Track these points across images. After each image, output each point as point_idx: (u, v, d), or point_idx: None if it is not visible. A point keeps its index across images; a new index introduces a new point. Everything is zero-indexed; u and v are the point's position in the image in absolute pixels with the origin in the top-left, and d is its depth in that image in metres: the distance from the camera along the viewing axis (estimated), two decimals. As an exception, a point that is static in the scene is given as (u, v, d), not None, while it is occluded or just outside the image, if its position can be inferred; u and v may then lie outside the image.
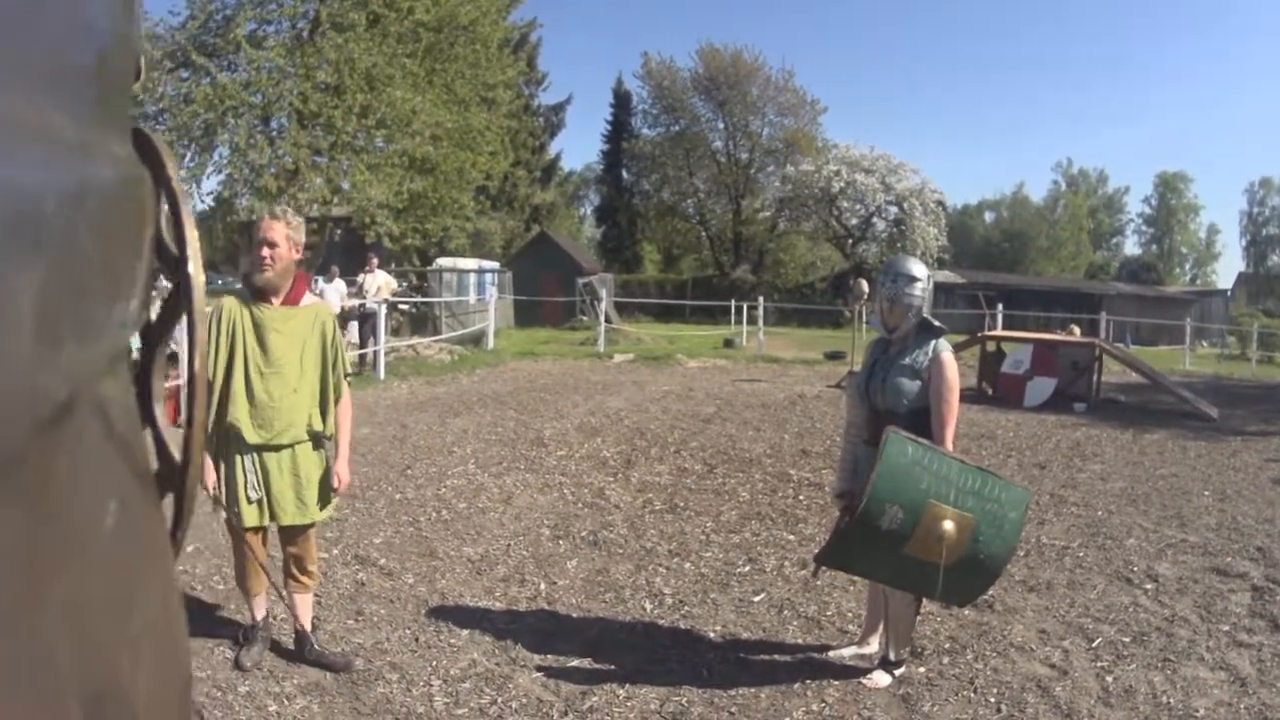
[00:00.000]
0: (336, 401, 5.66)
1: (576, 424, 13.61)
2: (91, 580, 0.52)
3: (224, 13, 26.42)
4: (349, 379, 5.74)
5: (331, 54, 25.41)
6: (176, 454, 0.71)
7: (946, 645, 6.03)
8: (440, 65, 28.19)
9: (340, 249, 30.22)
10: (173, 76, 26.35)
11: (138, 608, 0.59)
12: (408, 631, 6.29)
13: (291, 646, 5.92)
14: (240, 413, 5.38)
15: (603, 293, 33.27)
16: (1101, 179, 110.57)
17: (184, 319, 0.69)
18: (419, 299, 29.93)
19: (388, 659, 5.86)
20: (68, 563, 0.49)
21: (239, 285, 5.87)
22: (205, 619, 6.43)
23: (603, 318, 29.61)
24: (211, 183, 28.65)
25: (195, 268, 0.67)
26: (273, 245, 5.31)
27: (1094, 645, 6.14)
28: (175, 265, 0.67)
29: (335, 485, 5.67)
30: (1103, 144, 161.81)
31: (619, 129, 65.76)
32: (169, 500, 0.73)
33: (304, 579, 5.83)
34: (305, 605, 5.92)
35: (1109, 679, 5.64)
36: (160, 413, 0.72)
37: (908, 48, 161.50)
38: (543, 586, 7.08)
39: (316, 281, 23.04)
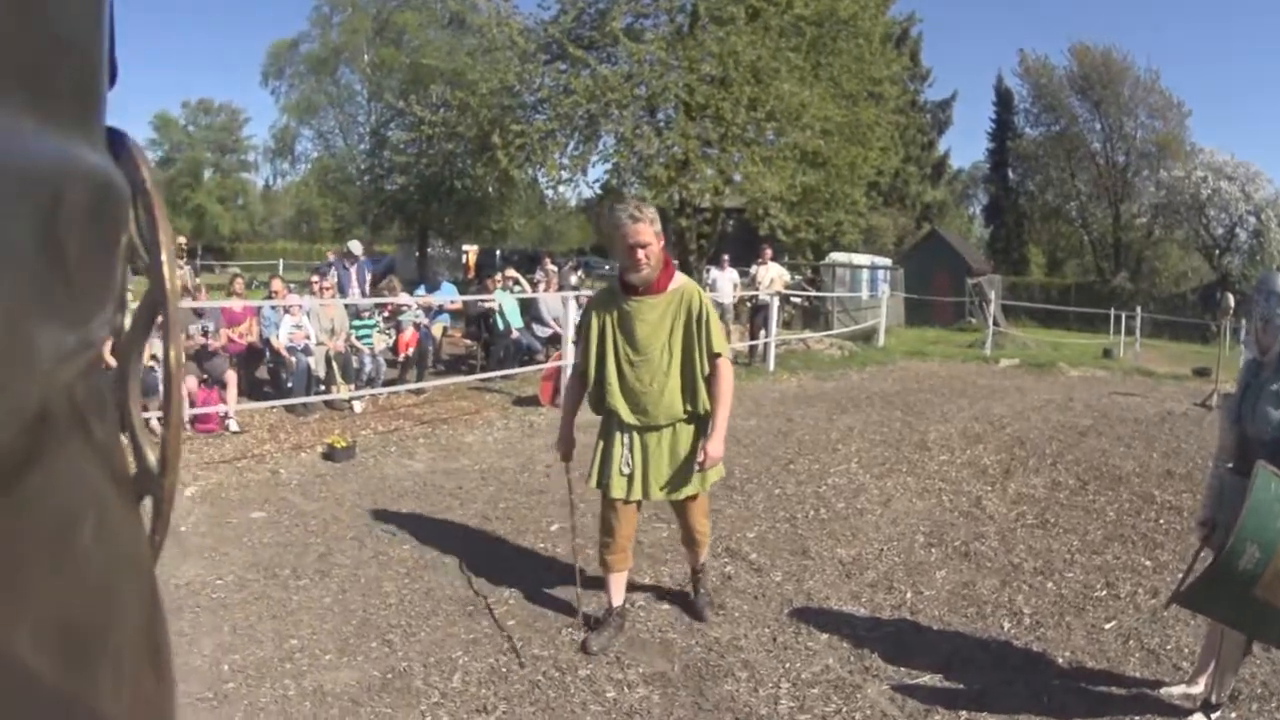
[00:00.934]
0: (707, 375, 5.78)
1: (960, 429, 13.30)
2: (70, 589, 0.52)
3: (596, 6, 27.13)
4: (727, 359, 5.86)
5: (714, 47, 25.56)
6: (153, 457, 0.70)
7: (1259, 691, 5.67)
8: (825, 59, 27.97)
9: (732, 239, 30.45)
10: (550, 68, 27.43)
11: (118, 615, 0.59)
12: (766, 630, 6.23)
13: (644, 637, 6.06)
14: (616, 400, 5.79)
15: (991, 294, 32.63)
16: None
17: (159, 321, 0.68)
18: (812, 293, 29.84)
19: (741, 656, 5.83)
20: (46, 572, 0.49)
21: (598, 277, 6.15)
22: (558, 598, 6.68)
23: (991, 320, 29.01)
24: (598, 171, 29.46)
25: (170, 271, 0.65)
26: (645, 246, 5.57)
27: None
28: (150, 268, 0.65)
29: (700, 460, 5.76)
30: None
31: (1003, 127, 65.09)
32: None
33: (695, 547, 6.29)
34: (703, 554, 6.41)
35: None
36: (137, 416, 0.71)
37: (1252, 46, 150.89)
38: (909, 595, 6.91)
39: (708, 270, 23.38)
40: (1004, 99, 65.16)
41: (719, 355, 5.76)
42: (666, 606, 6.60)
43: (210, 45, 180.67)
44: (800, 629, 6.24)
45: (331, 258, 22.92)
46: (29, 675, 0.46)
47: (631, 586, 6.56)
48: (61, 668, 0.50)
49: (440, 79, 34.92)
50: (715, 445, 5.74)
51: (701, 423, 5.90)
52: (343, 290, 17.21)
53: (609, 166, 28.15)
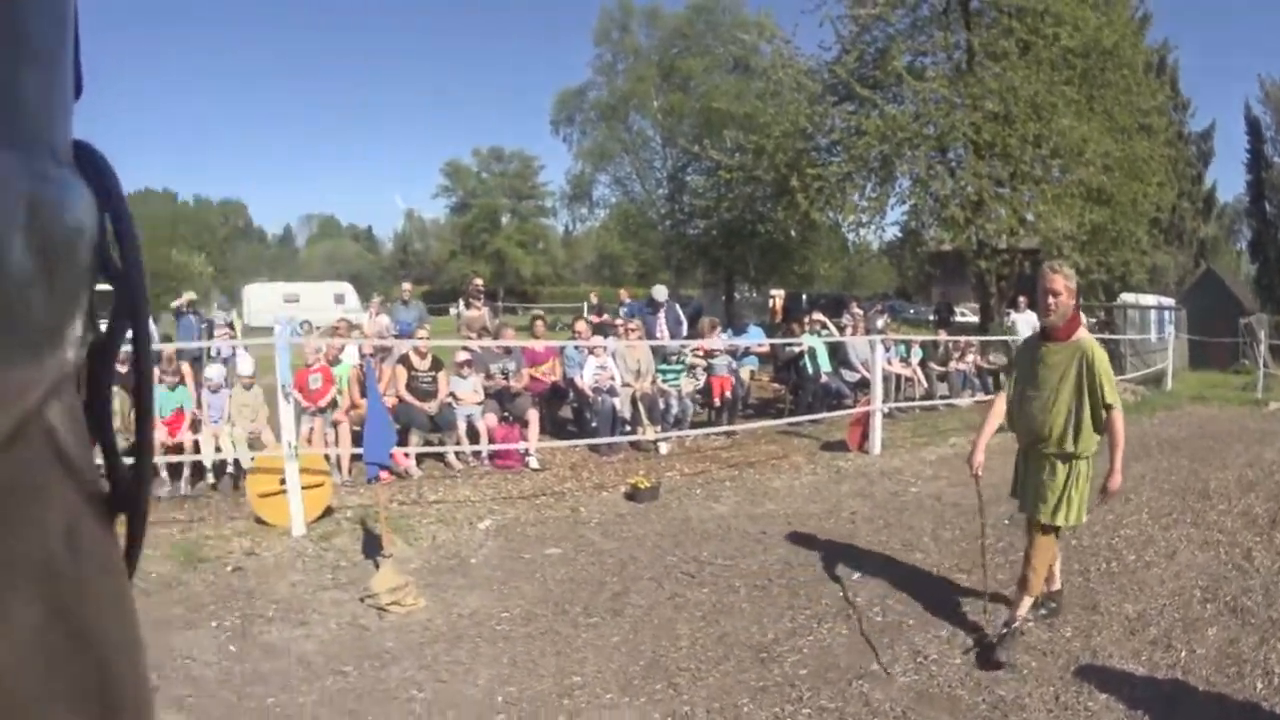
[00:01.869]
0: (1096, 423, 6.62)
1: (1236, 476, 12.84)
2: (45, 603, 0.53)
3: (876, 45, 27.64)
4: (1119, 411, 6.63)
5: (992, 83, 25.56)
6: (128, 474, 0.71)
7: None
8: (1097, 92, 27.55)
9: (1030, 281, 30.16)
10: (840, 110, 27.70)
11: (94, 629, 0.61)
12: (1050, 689, 6.24)
13: (933, 692, 6.26)
14: (1013, 424, 7.06)
15: (1261, 334, 31.42)
16: None
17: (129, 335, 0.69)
18: (1106, 335, 29.19)
19: (1024, 716, 5.88)
20: (19, 587, 0.51)
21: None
22: (851, 649, 6.91)
23: (1261, 361, 28.09)
24: (896, 213, 29.63)
25: (139, 283, 0.67)
26: (1055, 294, 6.57)
27: None
28: (122, 279, 0.67)
29: (1109, 490, 6.77)
30: None
31: (1257, 158, 60.64)
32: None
33: (1022, 589, 6.88)
34: (1022, 604, 6.90)
35: None
36: (111, 432, 0.72)
37: None
38: (1183, 654, 6.80)
39: (1009, 314, 23.37)
40: (1254, 128, 60.83)
41: (1110, 407, 6.55)
42: (959, 661, 6.70)
43: (495, 95, 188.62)
44: (1083, 688, 6.27)
45: (626, 300, 23.51)
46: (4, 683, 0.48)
47: (927, 639, 6.95)
48: (36, 677, 0.52)
49: (732, 123, 35.17)
50: (1115, 479, 6.67)
51: (1074, 461, 6.70)
52: (650, 335, 17.75)
53: (906, 208, 28.36)
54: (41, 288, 0.50)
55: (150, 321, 0.70)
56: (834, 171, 26.84)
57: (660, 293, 19.67)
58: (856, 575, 8.43)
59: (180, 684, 6.33)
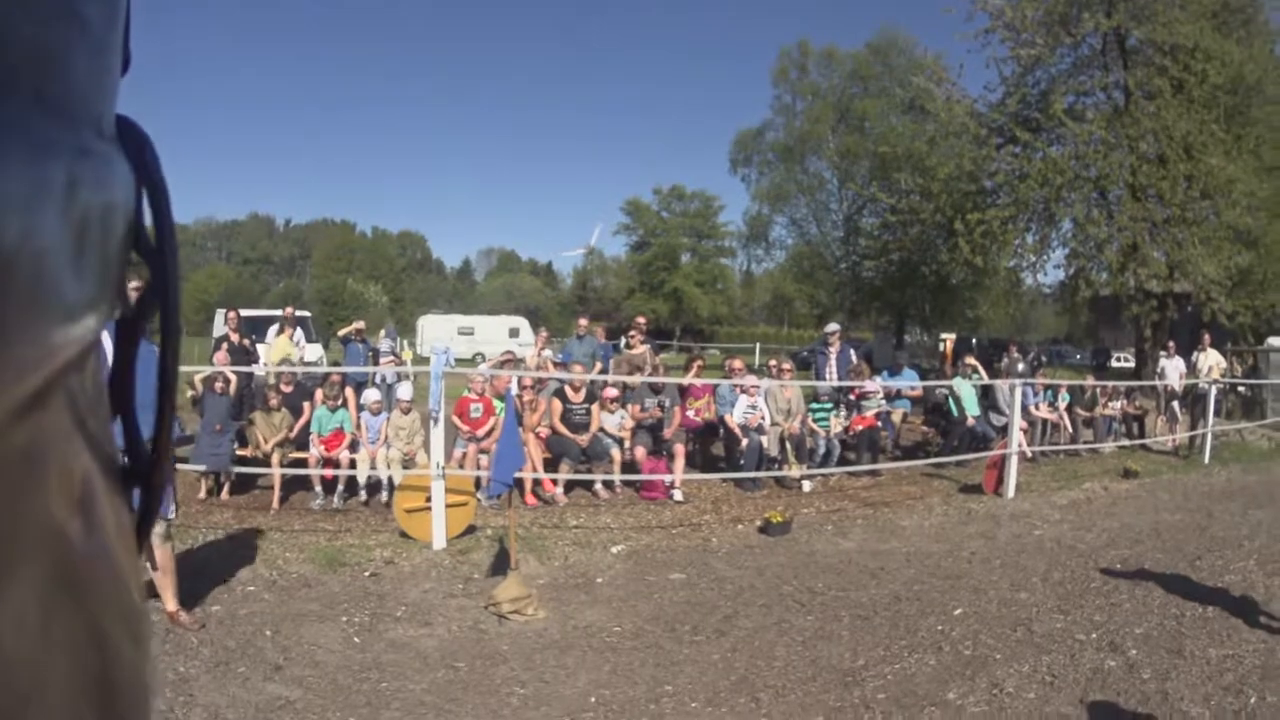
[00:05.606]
0: None
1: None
2: (52, 570, 0.53)
3: (1039, 87, 27.93)
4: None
5: (1147, 123, 25.70)
6: (146, 448, 0.71)
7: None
8: (1243, 130, 27.48)
9: (1182, 327, 29.81)
10: (1004, 152, 27.94)
11: (97, 602, 0.61)
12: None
13: None
14: None
15: None
16: None
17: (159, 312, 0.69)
18: (1239, 379, 28.50)
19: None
20: (27, 552, 0.50)
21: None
22: (933, 678, 7.02)
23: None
24: (1059, 256, 29.67)
25: (172, 260, 0.67)
26: None
27: None
28: (154, 257, 0.66)
29: None
30: None
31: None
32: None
33: None
34: None
35: None
36: (131, 407, 0.71)
37: None
38: (1252, 700, 6.65)
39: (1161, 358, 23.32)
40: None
41: None
42: (1033, 695, 6.67)
43: (676, 134, 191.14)
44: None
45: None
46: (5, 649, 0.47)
47: (1008, 673, 7.06)
48: (36, 645, 0.50)
49: (904, 165, 35.66)
50: None
51: None
52: (819, 374, 18.24)
53: (1067, 252, 28.43)
54: (73, 259, 0.51)
55: (179, 300, 0.69)
56: (995, 215, 27.15)
57: (831, 329, 19.65)
58: (958, 611, 8.63)
59: (304, 666, 7.09)
